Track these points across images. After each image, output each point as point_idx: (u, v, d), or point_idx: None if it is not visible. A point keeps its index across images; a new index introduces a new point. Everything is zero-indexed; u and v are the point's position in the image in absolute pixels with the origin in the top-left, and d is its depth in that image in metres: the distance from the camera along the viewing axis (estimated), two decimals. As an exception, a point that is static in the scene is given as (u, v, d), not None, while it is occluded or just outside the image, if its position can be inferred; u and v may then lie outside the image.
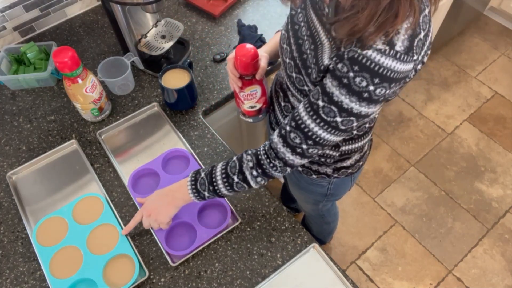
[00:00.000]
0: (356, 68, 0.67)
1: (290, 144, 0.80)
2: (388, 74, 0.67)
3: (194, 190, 0.89)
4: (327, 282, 0.94)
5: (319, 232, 1.67)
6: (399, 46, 0.66)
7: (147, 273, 0.95)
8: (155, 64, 1.31)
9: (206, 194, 0.88)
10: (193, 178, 0.89)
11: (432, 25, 0.73)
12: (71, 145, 1.17)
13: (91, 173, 1.11)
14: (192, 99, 1.21)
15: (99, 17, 1.50)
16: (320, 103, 0.73)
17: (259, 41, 1.32)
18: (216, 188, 0.87)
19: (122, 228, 1.01)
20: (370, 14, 0.63)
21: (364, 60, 0.67)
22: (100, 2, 1.52)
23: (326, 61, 0.73)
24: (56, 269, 0.95)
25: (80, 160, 1.14)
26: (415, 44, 0.67)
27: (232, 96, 1.29)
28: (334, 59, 0.71)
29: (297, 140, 0.78)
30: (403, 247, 1.92)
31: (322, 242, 1.82)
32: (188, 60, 1.24)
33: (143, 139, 1.18)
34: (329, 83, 0.72)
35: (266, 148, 0.83)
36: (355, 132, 0.94)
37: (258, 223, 1.02)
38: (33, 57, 1.31)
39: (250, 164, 0.84)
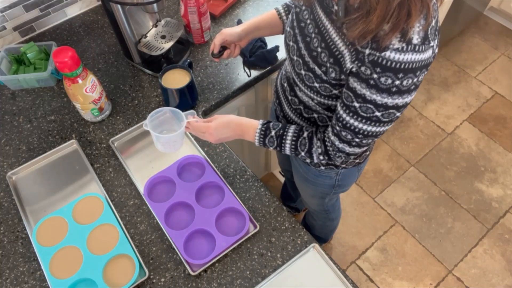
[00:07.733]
0: (378, 69, 0.70)
1: (345, 140, 0.85)
2: (410, 66, 0.69)
3: (261, 142, 0.97)
4: (327, 282, 0.94)
5: (322, 229, 1.67)
6: (416, 38, 0.68)
7: (147, 273, 0.95)
8: (155, 64, 1.31)
9: (271, 149, 0.97)
10: (262, 133, 0.96)
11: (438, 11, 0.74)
12: (71, 145, 1.17)
13: (91, 173, 1.11)
14: (193, 99, 1.21)
15: (99, 17, 1.50)
16: (356, 104, 0.77)
17: (259, 41, 1.32)
18: (282, 149, 0.96)
19: (122, 228, 1.01)
20: (381, 15, 0.64)
21: (384, 62, 0.69)
22: (100, 2, 1.52)
23: (348, 65, 0.74)
24: (56, 269, 0.95)
25: (80, 160, 1.14)
26: (429, 33, 0.69)
27: (232, 96, 1.29)
28: (356, 62, 0.73)
29: (349, 137, 0.83)
30: (403, 247, 1.92)
31: (324, 240, 1.81)
32: (188, 60, 1.24)
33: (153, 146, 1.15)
34: (358, 86, 0.75)
35: (329, 144, 0.88)
36: None
37: (258, 223, 1.02)
38: (33, 57, 1.31)
39: (319, 150, 0.91)
